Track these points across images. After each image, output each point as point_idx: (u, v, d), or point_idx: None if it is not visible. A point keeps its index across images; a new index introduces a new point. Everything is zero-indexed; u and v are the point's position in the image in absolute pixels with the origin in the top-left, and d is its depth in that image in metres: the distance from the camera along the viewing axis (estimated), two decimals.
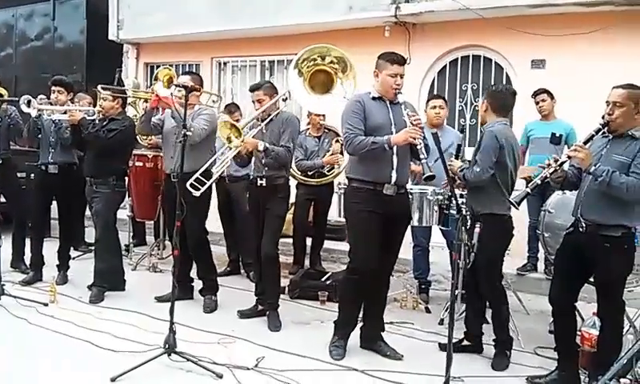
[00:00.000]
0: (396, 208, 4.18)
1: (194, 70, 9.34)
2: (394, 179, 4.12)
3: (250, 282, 6.00)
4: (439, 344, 4.46)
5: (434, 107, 5.55)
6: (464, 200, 4.46)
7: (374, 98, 4.23)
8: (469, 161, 4.39)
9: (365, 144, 4.04)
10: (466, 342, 4.41)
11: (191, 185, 4.83)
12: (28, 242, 6.09)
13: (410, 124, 3.99)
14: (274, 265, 4.91)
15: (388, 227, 4.19)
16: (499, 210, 4.15)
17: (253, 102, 4.97)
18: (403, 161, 4.16)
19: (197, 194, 4.81)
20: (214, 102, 5.80)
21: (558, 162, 3.72)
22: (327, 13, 7.96)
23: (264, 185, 4.85)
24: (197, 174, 4.87)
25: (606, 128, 3.67)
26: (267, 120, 4.89)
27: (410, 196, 4.81)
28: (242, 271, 6.53)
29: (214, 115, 5.33)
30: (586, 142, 3.69)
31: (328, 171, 6.49)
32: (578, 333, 4.29)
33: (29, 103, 5.32)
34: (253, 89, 5.00)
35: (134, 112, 6.86)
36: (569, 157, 3.70)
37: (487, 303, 4.47)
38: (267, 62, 9.39)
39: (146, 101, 6.88)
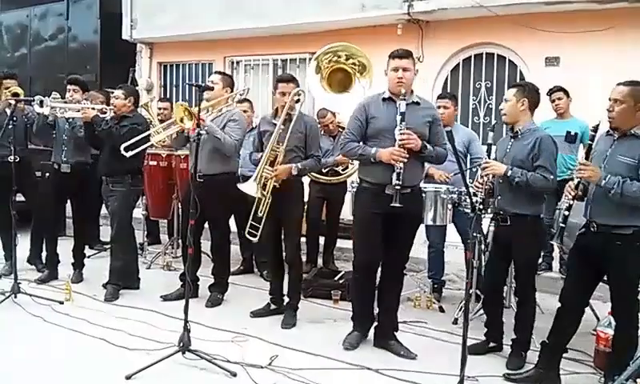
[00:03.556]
0: (399, 208, 4.09)
1: (206, 70, 9.44)
2: (394, 180, 4.09)
3: (263, 280, 6.02)
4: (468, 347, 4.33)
5: (439, 107, 5.45)
6: (477, 199, 4.42)
7: (384, 99, 4.25)
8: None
9: (354, 152, 4.24)
10: (492, 344, 4.38)
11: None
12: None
13: (398, 141, 4.05)
14: (298, 266, 5.05)
15: (391, 226, 4.23)
16: (539, 212, 4.15)
17: (279, 93, 4.85)
18: (408, 161, 4.10)
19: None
20: (240, 95, 5.82)
21: (573, 187, 3.74)
22: (340, 11, 7.95)
23: (277, 186, 4.81)
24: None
25: (596, 131, 3.72)
26: (283, 119, 4.78)
27: (424, 194, 4.83)
28: (256, 270, 6.55)
29: (243, 120, 5.38)
30: (587, 156, 3.69)
31: (342, 170, 6.48)
32: (593, 332, 4.28)
33: (41, 103, 5.37)
34: (287, 79, 4.90)
35: (148, 115, 6.93)
36: (579, 177, 3.68)
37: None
38: (280, 61, 9.39)
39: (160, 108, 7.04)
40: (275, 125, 4.81)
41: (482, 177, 4.22)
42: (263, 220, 4.79)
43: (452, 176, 5.20)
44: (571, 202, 3.74)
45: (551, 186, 4.07)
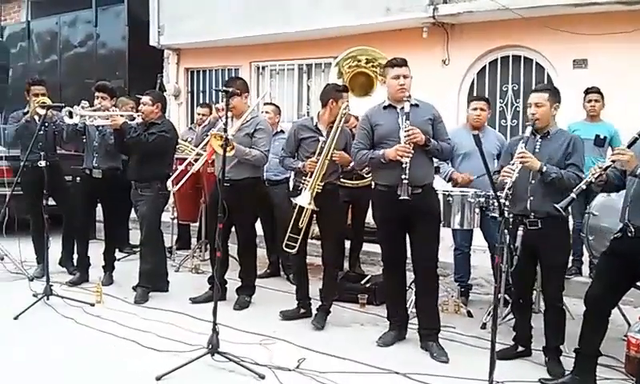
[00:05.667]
0: (412, 209, 4.25)
1: (232, 75, 9.51)
2: (405, 181, 4.20)
3: (290, 284, 6.05)
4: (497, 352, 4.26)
5: (475, 109, 5.49)
6: (506, 202, 4.39)
7: (385, 107, 4.43)
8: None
9: (365, 159, 4.44)
10: (520, 349, 4.34)
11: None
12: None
13: (403, 138, 4.20)
14: (333, 269, 5.16)
15: (409, 225, 4.40)
16: (568, 213, 4.11)
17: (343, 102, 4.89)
18: (415, 160, 4.21)
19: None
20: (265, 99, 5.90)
21: (603, 167, 3.65)
22: (365, 15, 7.97)
23: (319, 191, 4.82)
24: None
25: None
26: (337, 131, 4.81)
27: (450, 198, 4.93)
28: (282, 273, 6.58)
29: (269, 128, 5.50)
30: (629, 145, 3.62)
31: (367, 173, 6.47)
32: (624, 338, 4.21)
33: (70, 114, 5.43)
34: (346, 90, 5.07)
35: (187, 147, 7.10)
36: (613, 161, 3.62)
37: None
38: (305, 66, 9.45)
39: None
40: (317, 132, 4.92)
41: (509, 164, 4.13)
42: (302, 231, 4.82)
43: (475, 178, 5.19)
44: (592, 180, 3.62)
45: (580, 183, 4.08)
